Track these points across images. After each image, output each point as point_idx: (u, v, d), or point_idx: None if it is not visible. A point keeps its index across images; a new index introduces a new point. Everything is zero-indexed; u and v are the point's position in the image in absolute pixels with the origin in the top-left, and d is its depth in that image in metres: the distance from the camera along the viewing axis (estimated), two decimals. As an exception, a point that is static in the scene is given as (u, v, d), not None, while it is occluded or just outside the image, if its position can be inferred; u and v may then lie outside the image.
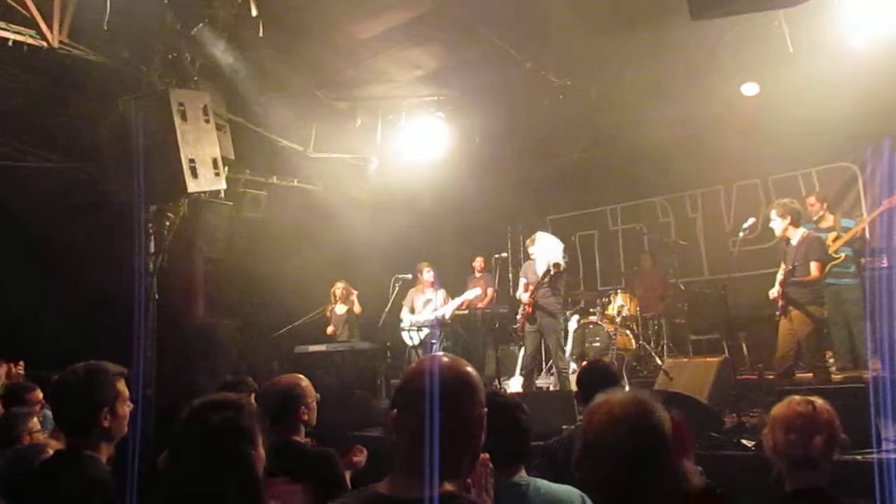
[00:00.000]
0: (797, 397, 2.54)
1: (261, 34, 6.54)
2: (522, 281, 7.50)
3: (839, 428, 2.43)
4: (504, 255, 7.88)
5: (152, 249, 7.12)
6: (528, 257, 7.62)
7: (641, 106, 8.26)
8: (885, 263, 6.67)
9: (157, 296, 7.00)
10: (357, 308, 8.81)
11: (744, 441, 4.67)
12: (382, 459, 3.81)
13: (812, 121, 7.83)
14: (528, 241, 7.59)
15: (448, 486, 1.49)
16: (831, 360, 6.58)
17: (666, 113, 8.31)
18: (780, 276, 6.19)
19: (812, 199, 7.01)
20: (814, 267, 6.01)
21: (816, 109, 7.67)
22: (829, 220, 6.89)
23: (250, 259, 8.39)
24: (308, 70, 7.79)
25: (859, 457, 3.88)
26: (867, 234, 7.09)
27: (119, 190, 6.99)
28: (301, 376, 3.27)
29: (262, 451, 2.05)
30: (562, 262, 7.06)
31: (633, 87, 7.91)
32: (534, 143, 9.46)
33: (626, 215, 10.07)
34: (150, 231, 7.18)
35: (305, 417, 3.12)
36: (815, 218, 6.97)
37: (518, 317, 7.46)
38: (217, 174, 7.57)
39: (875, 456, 3.88)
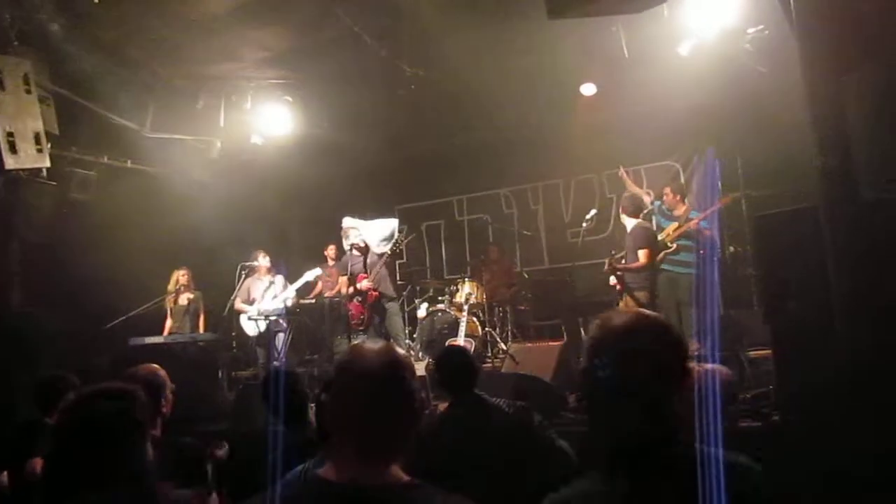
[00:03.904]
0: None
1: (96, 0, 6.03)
2: (343, 278, 7.52)
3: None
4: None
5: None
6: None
7: (488, 100, 8.53)
8: (702, 252, 7.33)
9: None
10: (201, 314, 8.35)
11: (588, 418, 4.99)
12: (233, 453, 3.69)
13: (642, 121, 8.49)
14: (343, 234, 7.62)
15: (401, 475, 1.49)
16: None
17: (511, 108, 8.67)
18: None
19: (668, 190, 7.57)
20: (641, 254, 6.54)
21: (646, 111, 8.32)
22: (680, 210, 7.45)
23: (78, 244, 7.71)
24: (146, 43, 7.25)
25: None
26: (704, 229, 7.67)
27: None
28: (158, 366, 3.11)
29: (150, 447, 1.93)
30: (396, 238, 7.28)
31: (481, 82, 8.12)
32: (384, 132, 9.45)
33: (471, 206, 10.36)
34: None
35: (164, 410, 2.98)
36: (670, 207, 7.52)
37: (351, 308, 7.45)
38: (40, 150, 6.94)
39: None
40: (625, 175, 7.89)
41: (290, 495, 1.45)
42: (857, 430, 3.52)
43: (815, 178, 4.25)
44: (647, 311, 1.53)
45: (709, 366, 2.65)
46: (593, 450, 1.65)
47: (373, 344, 1.60)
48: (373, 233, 7.57)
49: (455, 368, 3.42)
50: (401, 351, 1.61)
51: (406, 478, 1.49)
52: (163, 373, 3.05)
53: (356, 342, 1.66)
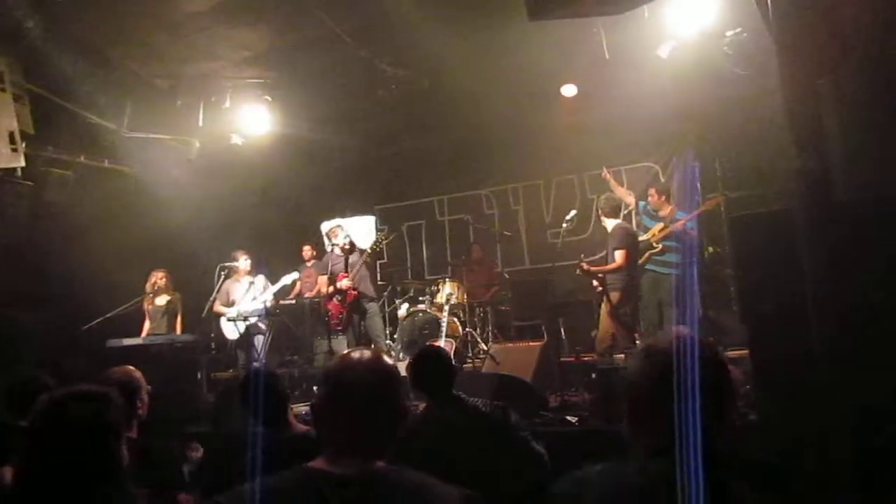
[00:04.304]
0: None
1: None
2: (323, 278, 7.48)
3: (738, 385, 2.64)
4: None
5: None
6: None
7: (470, 101, 8.54)
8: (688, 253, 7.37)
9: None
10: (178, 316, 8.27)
11: (568, 417, 5.04)
12: (213, 454, 3.66)
13: (622, 123, 8.55)
14: (330, 234, 7.59)
15: (383, 464, 1.57)
16: (639, 342, 7.20)
17: (492, 108, 8.68)
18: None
19: (652, 191, 7.60)
20: (618, 255, 6.56)
21: (627, 112, 8.37)
22: (666, 210, 7.48)
23: (55, 245, 7.64)
24: (124, 42, 7.19)
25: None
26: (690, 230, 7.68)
27: None
28: (133, 368, 3.08)
29: (125, 449, 1.91)
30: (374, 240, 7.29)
31: (462, 82, 8.13)
32: (364, 132, 9.45)
33: (452, 206, 10.35)
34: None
35: (140, 412, 2.95)
36: (655, 208, 7.55)
37: (331, 308, 7.40)
38: (14, 150, 6.90)
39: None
40: (608, 175, 7.93)
41: (282, 486, 1.49)
42: (833, 430, 3.56)
43: (791, 180, 4.29)
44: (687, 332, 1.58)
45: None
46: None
47: (363, 355, 1.66)
48: (355, 230, 7.56)
49: (431, 370, 3.42)
50: (388, 360, 1.67)
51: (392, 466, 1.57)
52: (138, 374, 3.02)
53: (347, 351, 1.69)
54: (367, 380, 1.57)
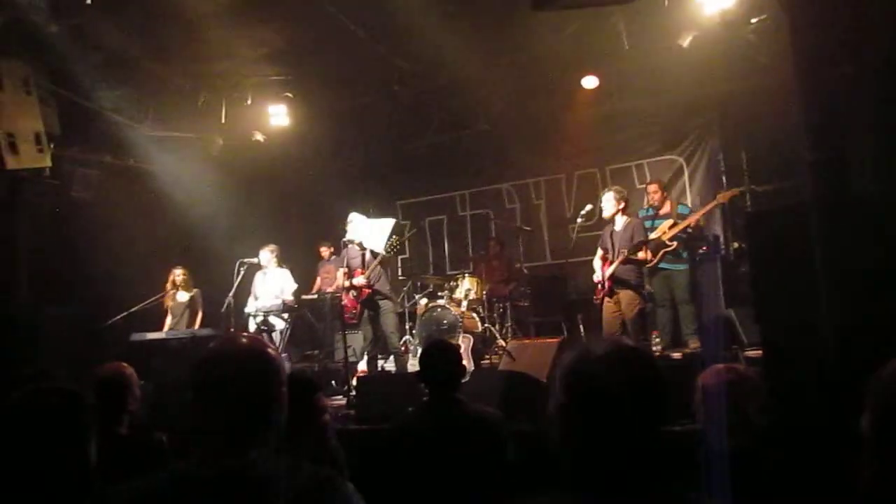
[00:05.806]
0: (721, 366, 2.66)
1: (89, 1, 6.05)
2: (342, 270, 7.46)
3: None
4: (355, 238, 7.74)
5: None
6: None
7: (489, 94, 8.48)
8: (704, 249, 7.22)
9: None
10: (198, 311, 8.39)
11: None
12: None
13: (645, 115, 8.41)
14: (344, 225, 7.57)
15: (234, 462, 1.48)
16: (657, 340, 7.07)
17: (512, 101, 8.61)
18: (597, 262, 6.59)
19: (654, 188, 7.45)
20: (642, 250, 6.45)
21: (649, 104, 8.22)
22: (667, 207, 7.33)
23: (81, 242, 7.80)
24: (145, 42, 7.28)
25: (678, 427, 4.19)
26: (701, 224, 7.50)
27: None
28: (125, 364, 3.09)
29: (93, 449, 1.90)
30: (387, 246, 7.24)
31: (481, 76, 8.07)
32: (384, 128, 9.44)
33: (474, 201, 10.24)
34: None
35: (132, 408, 2.96)
36: (655, 205, 7.40)
37: (345, 303, 7.38)
38: (41, 150, 7.07)
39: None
40: None
41: (143, 488, 1.46)
42: (842, 435, 3.44)
43: (806, 173, 4.15)
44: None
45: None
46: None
47: (233, 343, 1.63)
48: (368, 232, 7.49)
49: (433, 365, 3.30)
50: (267, 350, 1.61)
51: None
52: (129, 370, 3.02)
53: (219, 339, 1.67)
54: (228, 371, 1.51)
